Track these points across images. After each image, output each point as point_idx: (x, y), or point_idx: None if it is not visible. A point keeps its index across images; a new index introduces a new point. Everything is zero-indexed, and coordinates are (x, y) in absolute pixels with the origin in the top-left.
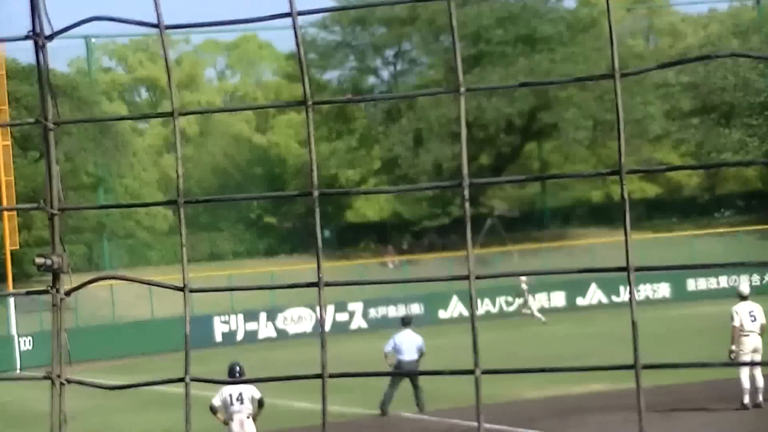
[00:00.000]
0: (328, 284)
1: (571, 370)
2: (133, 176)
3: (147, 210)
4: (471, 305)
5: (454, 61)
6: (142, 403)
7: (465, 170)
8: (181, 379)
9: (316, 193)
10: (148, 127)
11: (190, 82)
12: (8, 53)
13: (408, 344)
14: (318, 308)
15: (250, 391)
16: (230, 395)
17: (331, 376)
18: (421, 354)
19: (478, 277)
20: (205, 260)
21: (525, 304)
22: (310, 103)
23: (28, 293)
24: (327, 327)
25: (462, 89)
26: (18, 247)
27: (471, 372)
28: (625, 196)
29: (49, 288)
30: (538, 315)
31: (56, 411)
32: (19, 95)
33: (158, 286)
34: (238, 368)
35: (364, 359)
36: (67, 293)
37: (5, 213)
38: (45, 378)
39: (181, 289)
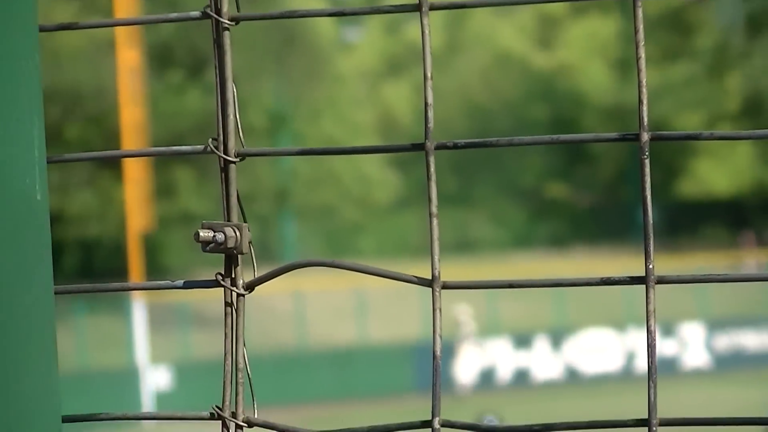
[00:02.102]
0: (662, 280)
1: None
2: (335, 115)
3: (357, 172)
4: None
5: None
6: None
7: None
8: (428, 423)
9: (645, 136)
10: (360, 40)
11: None
12: None
13: None
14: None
15: None
16: None
17: (662, 423)
18: None
19: None
20: (450, 251)
21: None
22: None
23: (187, 285)
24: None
25: None
26: (153, 226)
27: None
28: None
29: (220, 277)
30: None
31: None
32: None
33: (392, 278)
34: (492, 421)
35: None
36: (249, 287)
37: (131, 176)
38: (213, 418)
39: (430, 284)
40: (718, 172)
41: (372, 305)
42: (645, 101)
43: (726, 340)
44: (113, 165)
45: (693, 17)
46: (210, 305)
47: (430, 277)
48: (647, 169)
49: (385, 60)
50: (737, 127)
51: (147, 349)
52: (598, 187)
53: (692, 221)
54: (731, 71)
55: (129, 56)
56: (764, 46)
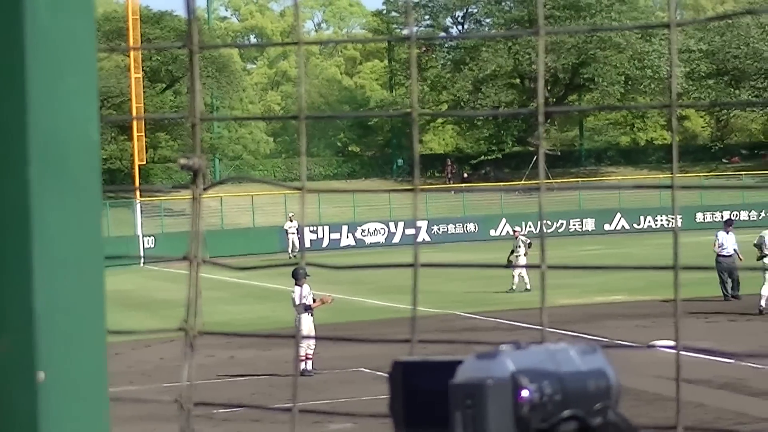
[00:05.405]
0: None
1: (619, 269)
2: (242, 109)
3: (252, 136)
4: (539, 211)
5: (536, 9)
6: (241, 296)
7: (541, 99)
8: (295, 263)
9: (415, 112)
10: (255, 68)
11: (292, 31)
12: (142, 1)
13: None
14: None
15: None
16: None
17: (423, 266)
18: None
19: (550, 188)
20: (299, 180)
21: (515, 257)
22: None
23: (174, 187)
24: (398, 239)
25: (541, 32)
26: (145, 162)
27: (537, 266)
28: (674, 127)
29: (190, 184)
30: (525, 280)
31: (193, 286)
32: (152, 37)
33: (280, 185)
34: (300, 271)
35: (429, 269)
36: (205, 188)
37: (134, 133)
38: (184, 258)
39: (300, 189)
40: (435, 140)
41: (258, 205)
42: (416, 95)
43: (438, 229)
44: (126, 130)
45: (426, 59)
46: (176, 204)
47: (300, 186)
48: (416, 132)
49: (268, 80)
50: (446, 120)
51: (141, 227)
52: (376, 146)
53: (423, 168)
54: (443, 91)
55: (136, 74)
56: (461, 77)
